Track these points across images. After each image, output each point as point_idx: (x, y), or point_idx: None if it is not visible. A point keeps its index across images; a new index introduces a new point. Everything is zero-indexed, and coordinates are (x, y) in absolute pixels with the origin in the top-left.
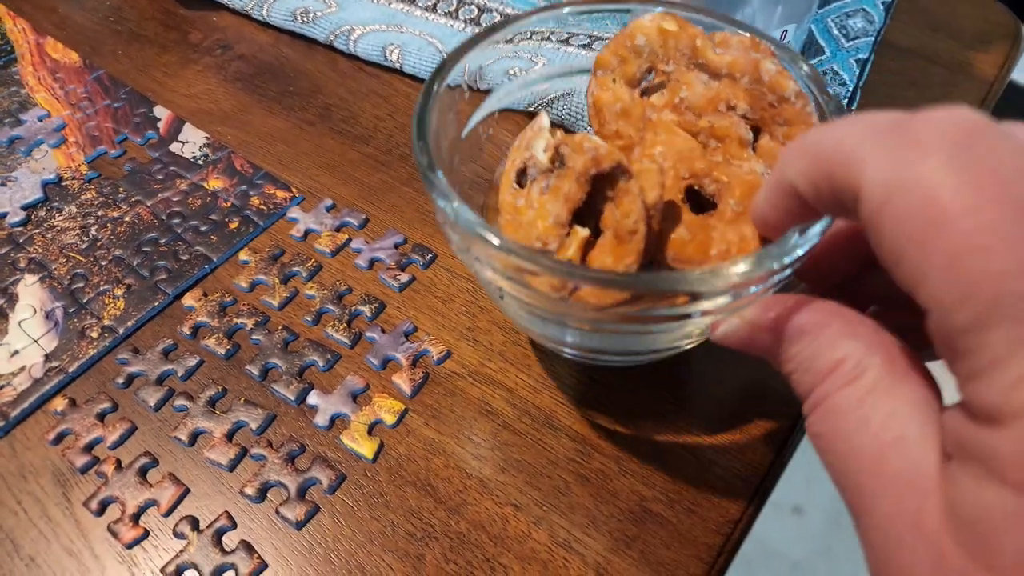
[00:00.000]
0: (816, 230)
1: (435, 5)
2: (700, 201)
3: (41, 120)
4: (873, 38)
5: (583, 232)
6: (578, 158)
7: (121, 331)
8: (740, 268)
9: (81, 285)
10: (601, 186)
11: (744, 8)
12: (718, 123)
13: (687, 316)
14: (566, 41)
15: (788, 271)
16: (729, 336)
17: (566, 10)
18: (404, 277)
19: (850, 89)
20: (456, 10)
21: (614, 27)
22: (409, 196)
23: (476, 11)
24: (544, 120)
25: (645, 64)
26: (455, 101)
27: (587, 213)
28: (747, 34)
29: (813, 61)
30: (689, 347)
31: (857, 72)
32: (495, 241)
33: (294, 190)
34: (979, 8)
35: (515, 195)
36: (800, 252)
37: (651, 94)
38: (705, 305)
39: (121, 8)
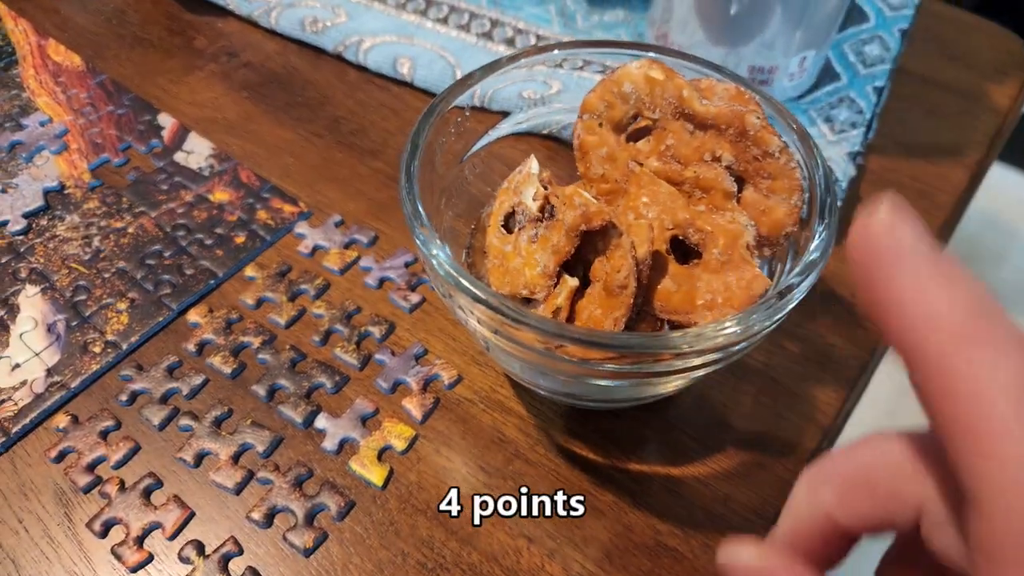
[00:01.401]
0: (804, 287)
1: (446, 17)
2: (685, 250)
3: (43, 125)
4: (890, 66)
5: (572, 282)
6: (568, 213)
7: (124, 346)
8: (727, 330)
9: (83, 298)
10: (590, 236)
11: (764, 34)
12: (703, 174)
13: (675, 371)
14: (581, 68)
15: (774, 327)
16: None
17: (586, 50)
18: (415, 298)
19: (867, 117)
20: (468, 23)
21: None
22: None
23: (488, 24)
24: (534, 166)
25: (632, 110)
26: (463, 120)
27: (574, 258)
28: (732, 83)
29: (829, 87)
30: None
31: (874, 100)
32: (482, 295)
33: (302, 204)
34: (994, 38)
35: (503, 240)
36: (785, 311)
37: (637, 139)
38: (694, 362)
39: (124, 11)
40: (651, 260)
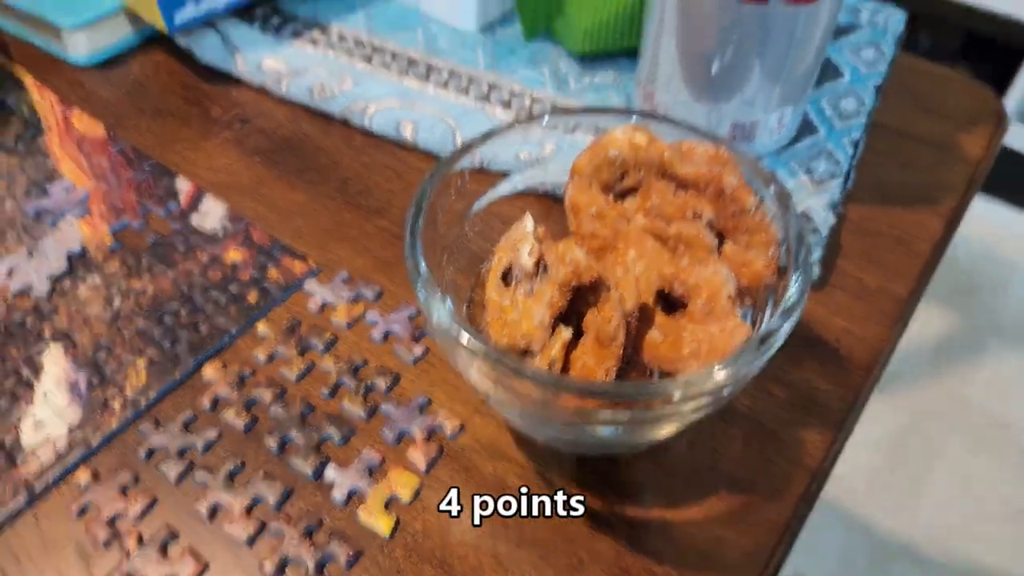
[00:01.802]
0: (784, 330)
1: (447, 82)
2: (671, 302)
3: (67, 191)
4: (865, 120)
5: (567, 333)
6: (561, 269)
7: (143, 403)
8: (713, 375)
9: (104, 356)
10: (582, 290)
11: (744, 91)
12: (686, 230)
13: (666, 417)
14: (573, 131)
15: (758, 371)
16: None
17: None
18: (418, 350)
19: (844, 168)
20: (467, 87)
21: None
22: None
23: (486, 87)
24: (529, 224)
25: (618, 171)
26: (464, 182)
27: (568, 310)
28: (711, 144)
29: (808, 141)
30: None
31: (851, 152)
32: (481, 348)
33: (311, 262)
34: (966, 90)
35: (501, 294)
36: (767, 355)
37: (625, 197)
38: (684, 408)
39: (144, 83)
40: (639, 312)
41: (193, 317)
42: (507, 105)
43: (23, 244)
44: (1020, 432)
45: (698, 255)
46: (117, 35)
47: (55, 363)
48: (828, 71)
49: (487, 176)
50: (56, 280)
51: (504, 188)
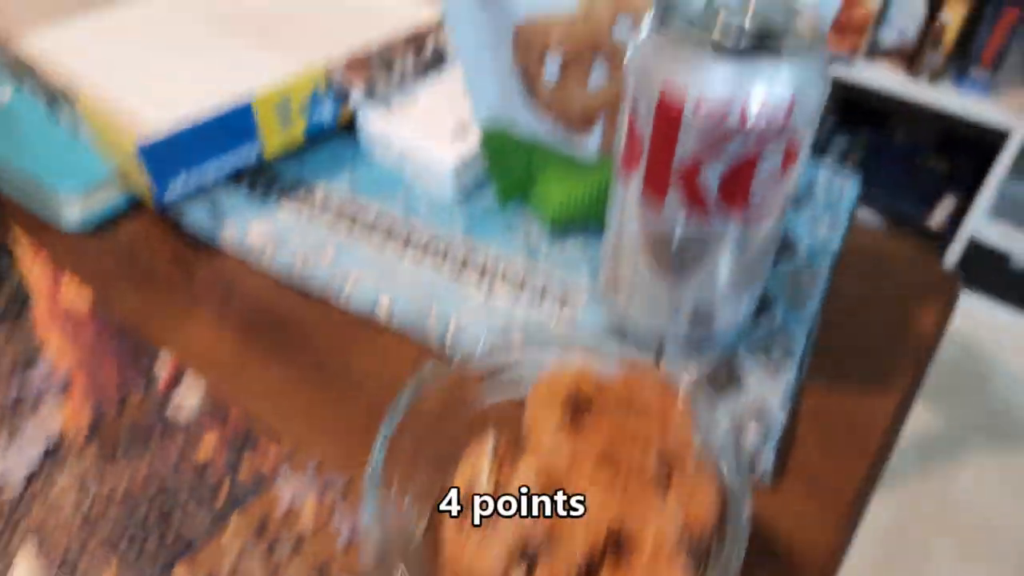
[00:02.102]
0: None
1: (425, 249)
2: (620, 544)
3: (51, 372)
4: (819, 301)
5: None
6: (508, 528)
7: None
8: None
9: (76, 556)
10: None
11: (701, 282)
12: (636, 461)
13: None
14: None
15: None
16: None
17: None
18: None
19: (798, 358)
20: (444, 255)
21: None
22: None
23: (462, 257)
24: (488, 447)
25: (574, 399)
26: (443, 390)
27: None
28: (661, 376)
29: (765, 327)
30: None
31: (803, 343)
32: None
33: (285, 447)
34: (916, 264)
35: (458, 529)
36: None
37: (583, 413)
38: None
39: (133, 249)
40: (590, 559)
41: (165, 519)
42: (483, 272)
43: (3, 429)
44: (1010, 536)
45: (647, 490)
46: (109, 199)
47: (27, 561)
48: (785, 247)
49: (467, 384)
50: (31, 475)
51: (482, 397)
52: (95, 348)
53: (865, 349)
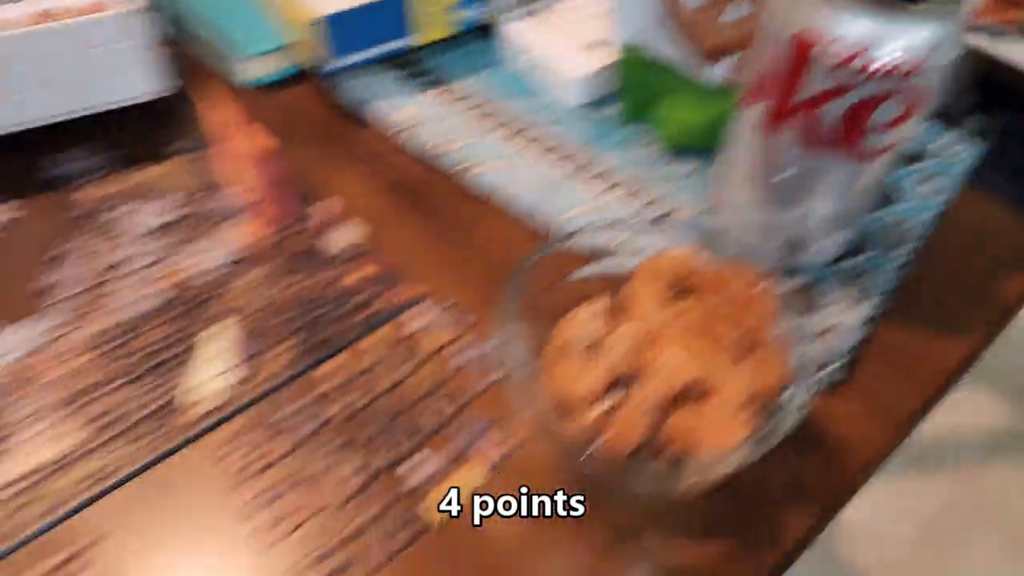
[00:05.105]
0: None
1: (547, 151)
2: (699, 394)
3: (234, 197)
4: (913, 247)
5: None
6: (618, 348)
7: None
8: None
9: (259, 334)
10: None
11: (801, 212)
12: (725, 335)
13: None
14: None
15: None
16: None
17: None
18: (494, 378)
19: (883, 290)
20: (565, 159)
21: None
22: None
23: (581, 163)
24: (598, 305)
25: (676, 280)
26: (555, 262)
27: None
28: (752, 271)
29: (856, 260)
30: None
31: (894, 277)
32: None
33: (420, 290)
34: (1018, 231)
35: (565, 361)
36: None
37: (681, 296)
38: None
39: (300, 111)
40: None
41: (319, 321)
42: (598, 178)
43: (193, 234)
44: None
45: (728, 358)
46: (280, 65)
47: (223, 334)
48: (888, 198)
49: (574, 258)
50: (226, 268)
51: (587, 271)
52: (267, 185)
53: (945, 301)
